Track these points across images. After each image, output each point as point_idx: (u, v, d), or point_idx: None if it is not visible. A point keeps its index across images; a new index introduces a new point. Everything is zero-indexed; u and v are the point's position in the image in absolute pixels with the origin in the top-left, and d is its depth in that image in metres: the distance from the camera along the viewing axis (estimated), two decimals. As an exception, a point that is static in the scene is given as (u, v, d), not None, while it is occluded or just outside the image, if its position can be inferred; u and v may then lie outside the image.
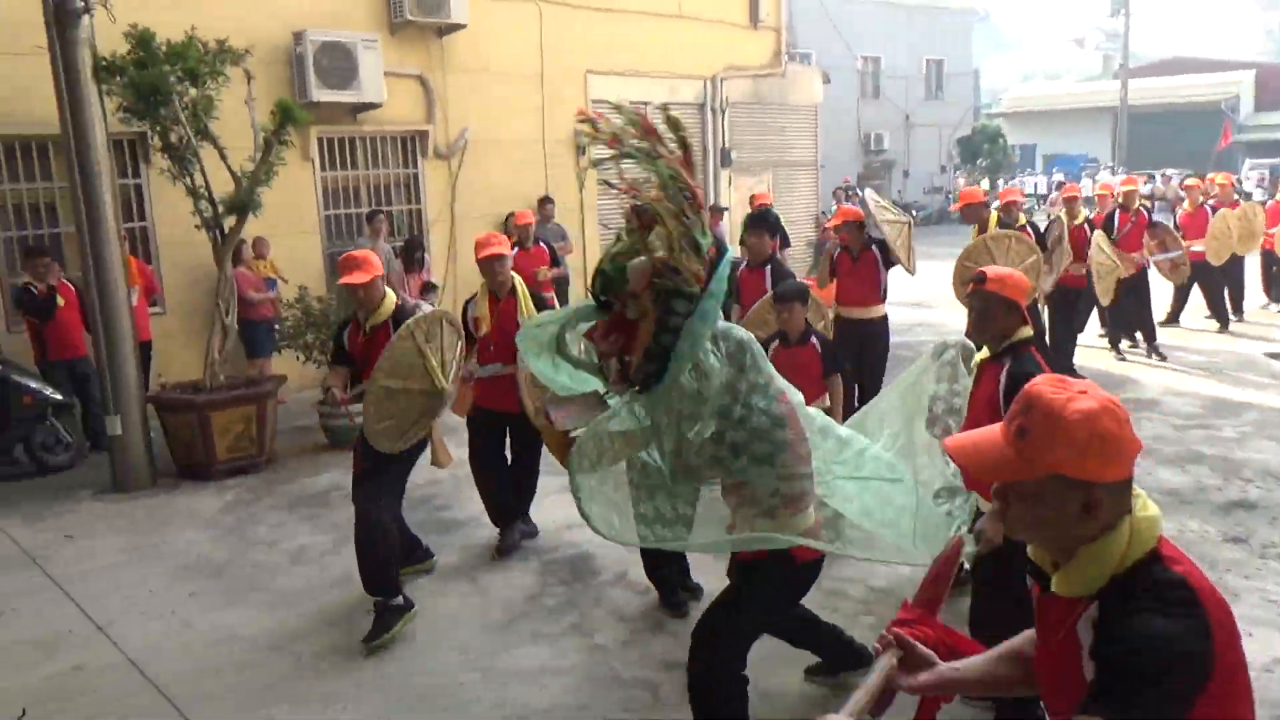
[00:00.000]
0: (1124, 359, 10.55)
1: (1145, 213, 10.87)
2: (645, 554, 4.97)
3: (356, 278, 4.82)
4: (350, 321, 5.09)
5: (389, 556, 4.88)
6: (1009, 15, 65.75)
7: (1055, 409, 1.59)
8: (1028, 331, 3.70)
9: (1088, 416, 1.57)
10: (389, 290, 4.99)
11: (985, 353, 3.79)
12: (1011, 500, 1.68)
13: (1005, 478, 1.67)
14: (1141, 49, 43.68)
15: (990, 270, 3.81)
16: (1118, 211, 10.69)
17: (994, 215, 8.81)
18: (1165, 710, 1.49)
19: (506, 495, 5.90)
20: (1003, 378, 3.60)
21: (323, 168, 10.96)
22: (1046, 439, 1.59)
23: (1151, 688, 1.49)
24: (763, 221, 7.02)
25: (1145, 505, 1.65)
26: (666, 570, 4.99)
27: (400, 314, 4.92)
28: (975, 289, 3.74)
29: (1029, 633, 2.02)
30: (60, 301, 8.03)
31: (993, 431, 1.71)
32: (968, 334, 3.87)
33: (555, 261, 10.56)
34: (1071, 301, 9.63)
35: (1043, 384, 1.65)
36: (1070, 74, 51.47)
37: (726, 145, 15.28)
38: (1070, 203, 10.16)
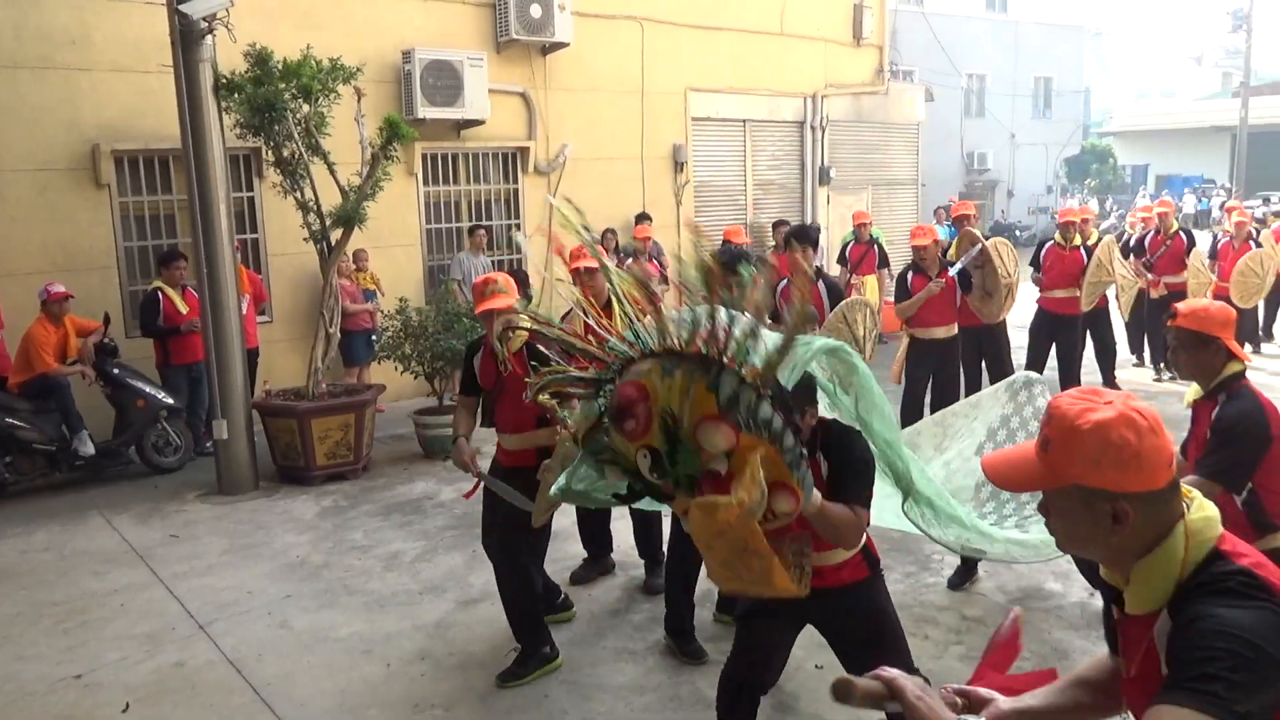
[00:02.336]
0: (1161, 380, 10.53)
1: (1184, 236, 10.52)
2: (670, 599, 4.81)
3: (500, 302, 4.49)
4: (480, 348, 4.80)
5: (534, 605, 4.74)
6: (1123, 32, 63.85)
7: (1070, 419, 1.60)
8: (1237, 366, 3.47)
9: (1101, 426, 1.56)
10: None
11: (1197, 391, 3.59)
12: (1051, 514, 1.70)
13: (1032, 489, 1.71)
14: (1264, 67, 41.88)
15: (1183, 304, 3.60)
16: (1149, 235, 10.42)
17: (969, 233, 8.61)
18: (1241, 702, 1.41)
19: (604, 527, 5.85)
20: (1213, 418, 3.44)
21: (426, 182, 11.21)
22: (1064, 449, 1.60)
23: (1220, 677, 1.42)
24: (804, 236, 6.97)
25: (1201, 505, 1.64)
26: (686, 613, 4.78)
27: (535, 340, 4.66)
28: (1170, 324, 3.55)
29: (1096, 659, 2.00)
30: (184, 310, 8.33)
31: (1028, 446, 1.72)
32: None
33: (665, 278, 10.60)
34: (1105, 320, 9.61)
35: (1067, 395, 1.66)
36: (1186, 92, 49.64)
37: (826, 163, 15.15)
38: (1084, 225, 9.97)
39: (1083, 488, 1.59)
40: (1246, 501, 3.42)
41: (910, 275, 7.69)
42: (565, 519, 6.36)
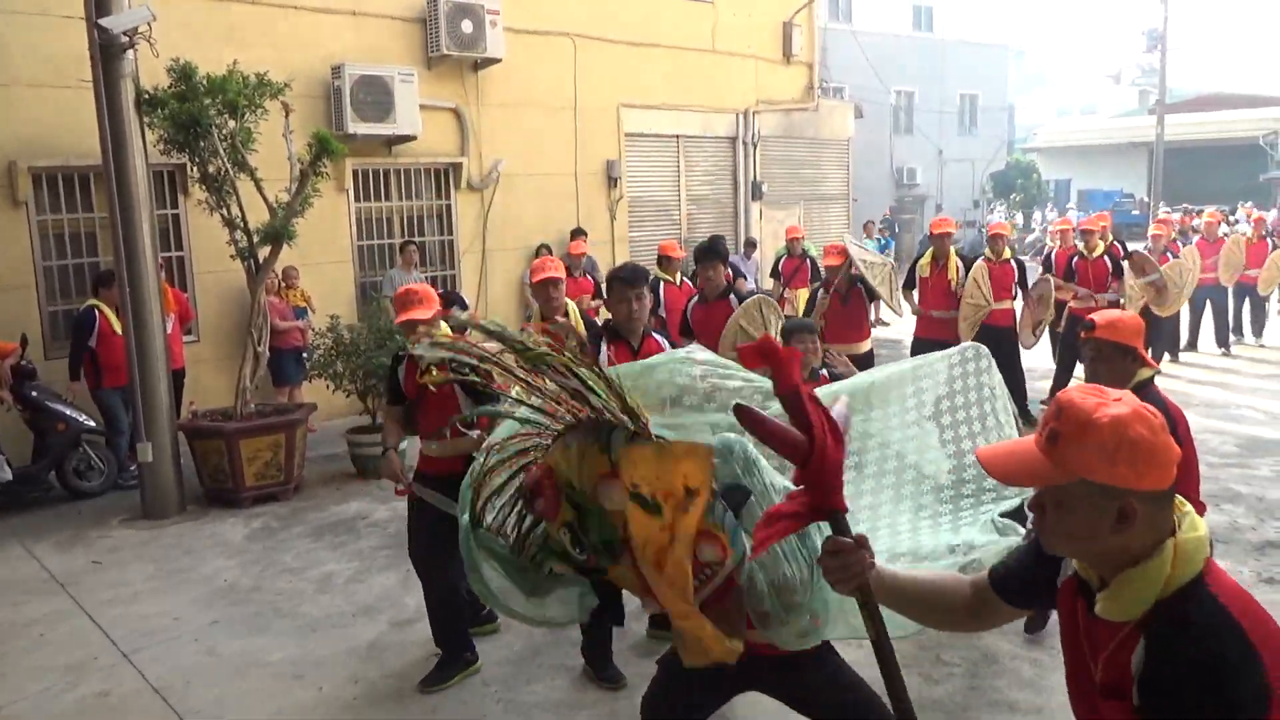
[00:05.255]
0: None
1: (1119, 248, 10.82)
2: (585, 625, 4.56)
3: (419, 313, 4.60)
4: (404, 358, 4.80)
5: (459, 613, 4.79)
6: (1044, 51, 65.68)
7: (1085, 413, 1.58)
8: (1147, 373, 3.60)
9: (1117, 421, 1.56)
10: (444, 324, 4.73)
11: None
12: (1048, 509, 1.66)
13: (1037, 483, 1.66)
14: (1179, 84, 43.34)
15: (1099, 316, 3.70)
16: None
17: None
18: None
19: None
20: None
21: (357, 199, 11.09)
22: (1076, 443, 1.58)
23: None
24: (714, 253, 6.93)
25: (1193, 525, 1.62)
26: (602, 638, 4.66)
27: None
28: (1087, 336, 3.64)
29: (967, 584, 2.06)
30: (120, 330, 8.08)
31: (1027, 440, 1.70)
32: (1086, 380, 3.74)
33: (599, 293, 10.59)
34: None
35: (1076, 390, 1.65)
36: (1106, 109, 51.17)
37: (758, 178, 15.32)
38: (1088, 235, 10.04)
39: (1091, 483, 1.57)
40: None
41: (820, 294, 7.81)
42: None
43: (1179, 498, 1.65)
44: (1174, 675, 1.51)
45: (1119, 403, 1.59)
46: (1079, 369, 10.12)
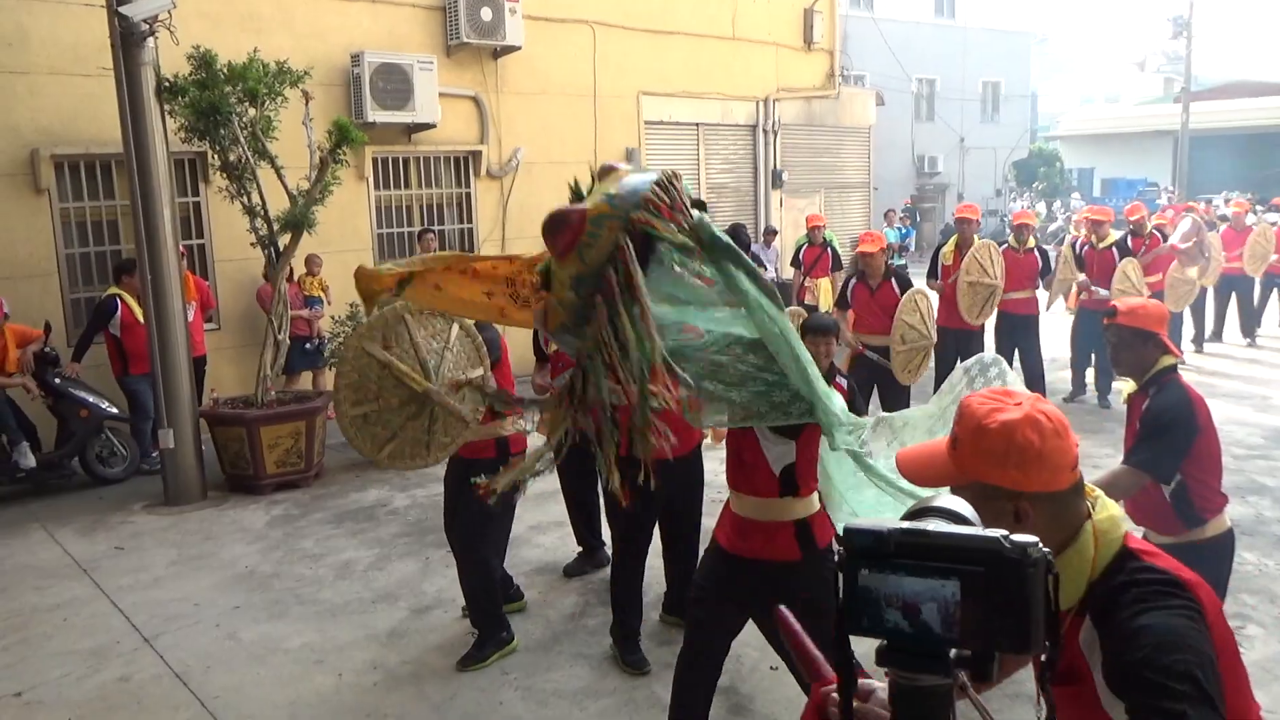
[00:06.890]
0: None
1: (1159, 236, 10.67)
2: (616, 602, 4.77)
3: None
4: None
5: (493, 594, 4.84)
6: (1068, 38, 65.11)
7: (977, 418, 1.64)
8: (1169, 360, 3.58)
9: (1006, 427, 1.61)
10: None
11: (1132, 385, 3.72)
12: None
13: (938, 484, 1.72)
14: (1204, 72, 42.79)
15: (1121, 303, 3.69)
16: (1126, 238, 10.35)
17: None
18: (1206, 698, 1.45)
19: (595, 520, 5.89)
20: (1143, 410, 3.54)
21: (377, 187, 11.10)
22: (970, 447, 1.65)
23: (1185, 695, 1.44)
24: (734, 238, 6.92)
25: (1104, 506, 1.67)
26: (632, 620, 4.76)
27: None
28: (1109, 323, 3.64)
29: None
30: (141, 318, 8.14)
31: (940, 443, 1.77)
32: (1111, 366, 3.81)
33: None
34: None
35: (978, 395, 1.71)
36: (1130, 97, 50.57)
37: (778, 167, 15.24)
38: (1097, 226, 9.88)
39: (985, 485, 1.62)
40: (1174, 493, 3.47)
41: (853, 284, 7.78)
42: (519, 525, 6.33)
43: (1087, 485, 1.69)
44: (1132, 638, 1.51)
45: (1016, 407, 1.63)
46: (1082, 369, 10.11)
